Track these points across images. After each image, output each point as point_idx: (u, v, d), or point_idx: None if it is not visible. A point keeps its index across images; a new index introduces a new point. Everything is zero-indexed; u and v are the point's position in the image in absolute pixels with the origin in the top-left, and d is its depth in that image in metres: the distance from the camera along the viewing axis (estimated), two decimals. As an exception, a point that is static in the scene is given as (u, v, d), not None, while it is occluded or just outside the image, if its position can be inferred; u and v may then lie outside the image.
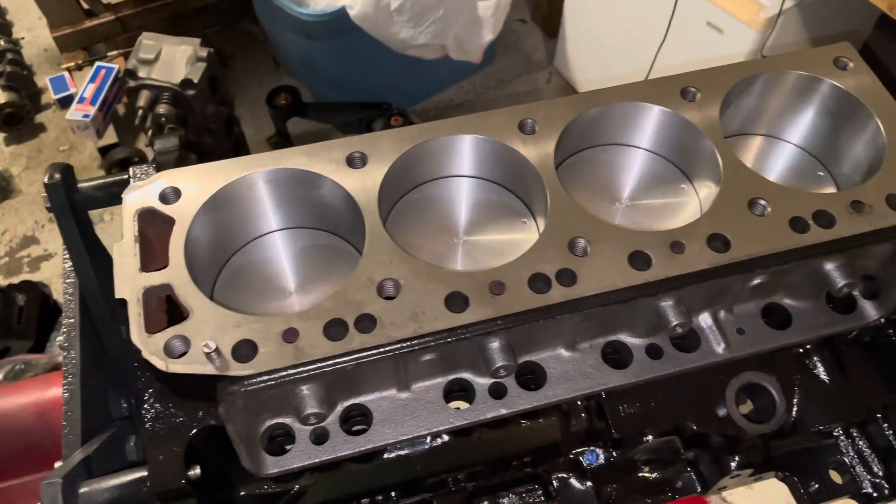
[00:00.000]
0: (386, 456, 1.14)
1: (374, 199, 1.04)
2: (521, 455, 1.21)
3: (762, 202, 1.05)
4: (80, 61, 3.84)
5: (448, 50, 3.56)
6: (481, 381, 1.10)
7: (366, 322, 0.94)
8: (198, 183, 1.04)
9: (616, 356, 1.15)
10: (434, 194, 1.19)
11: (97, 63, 3.69)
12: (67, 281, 1.21)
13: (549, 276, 0.99)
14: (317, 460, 1.04)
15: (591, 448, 1.24)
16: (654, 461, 1.30)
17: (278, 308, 1.09)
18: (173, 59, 2.73)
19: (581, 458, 1.24)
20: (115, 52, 3.78)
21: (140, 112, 2.73)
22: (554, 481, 1.24)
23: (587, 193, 1.17)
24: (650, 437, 1.21)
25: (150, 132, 2.75)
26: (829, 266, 1.09)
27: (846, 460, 1.31)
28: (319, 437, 1.06)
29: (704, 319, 1.17)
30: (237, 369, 0.89)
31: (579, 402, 1.19)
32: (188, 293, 0.95)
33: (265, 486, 1.09)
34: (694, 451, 1.26)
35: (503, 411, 1.09)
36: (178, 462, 0.92)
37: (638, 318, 1.10)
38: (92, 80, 3.63)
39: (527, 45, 4.27)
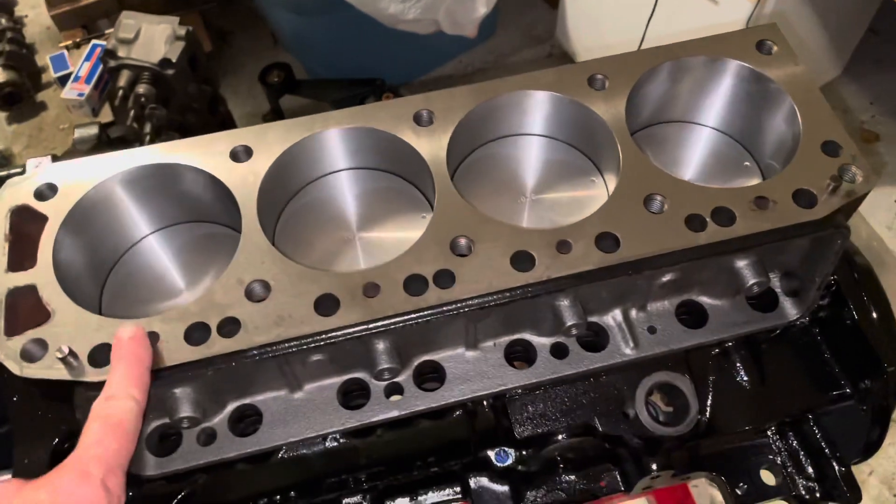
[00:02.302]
0: (282, 456, 1.13)
1: (255, 192, 1.01)
2: (425, 455, 1.18)
3: (659, 198, 1.00)
4: (78, 39, 3.85)
5: (441, 24, 3.48)
6: (377, 382, 1.07)
7: (230, 326, 0.92)
8: (80, 179, 1.02)
9: (521, 353, 1.12)
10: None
11: (93, 41, 3.70)
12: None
13: (426, 278, 0.95)
14: (202, 462, 1.03)
15: (502, 448, 1.20)
16: (575, 461, 1.26)
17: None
18: (152, 39, 2.72)
19: (491, 458, 1.21)
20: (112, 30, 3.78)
21: (120, 92, 2.72)
22: (470, 481, 1.22)
23: (488, 190, 1.13)
24: (561, 438, 1.17)
25: (131, 112, 2.75)
26: (739, 264, 1.04)
27: (778, 461, 1.27)
28: (207, 438, 1.05)
29: (614, 317, 1.12)
30: (92, 375, 0.88)
31: (484, 402, 1.16)
32: (52, 294, 0.93)
33: (156, 487, 1.08)
34: (615, 450, 1.22)
35: (396, 413, 1.06)
36: (42, 466, 0.91)
37: (539, 316, 1.06)
38: (87, 58, 3.65)
39: (528, 18, 4.17)
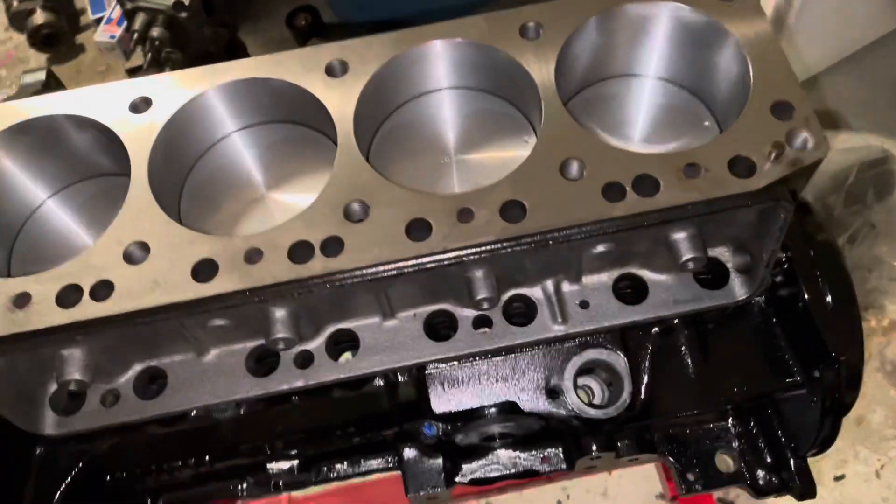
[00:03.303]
0: (193, 420, 1.09)
1: (148, 148, 0.96)
2: (344, 425, 1.13)
3: (576, 164, 0.90)
4: (114, -20, 3.84)
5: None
6: (284, 350, 1.03)
7: (103, 290, 0.87)
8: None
9: (444, 323, 1.05)
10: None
11: (125, -18, 3.68)
12: None
13: (313, 245, 0.88)
14: (104, 423, 1.01)
15: (428, 421, 1.15)
16: (512, 436, 1.20)
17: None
18: (167, -20, 2.68)
19: (418, 431, 1.15)
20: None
21: (135, 35, 2.71)
22: (403, 452, 1.17)
23: (409, 149, 1.04)
24: (486, 413, 1.10)
25: (148, 56, 2.74)
26: (674, 237, 0.94)
27: (735, 446, 1.17)
28: (112, 400, 1.02)
29: (544, 289, 1.04)
30: (-38, 336, 0.85)
31: (403, 374, 1.10)
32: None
33: (63, 447, 1.07)
34: (554, 427, 1.15)
35: (303, 383, 1.02)
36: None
37: (456, 286, 0.98)
38: None
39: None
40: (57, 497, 1.06)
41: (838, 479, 2.26)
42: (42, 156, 1.01)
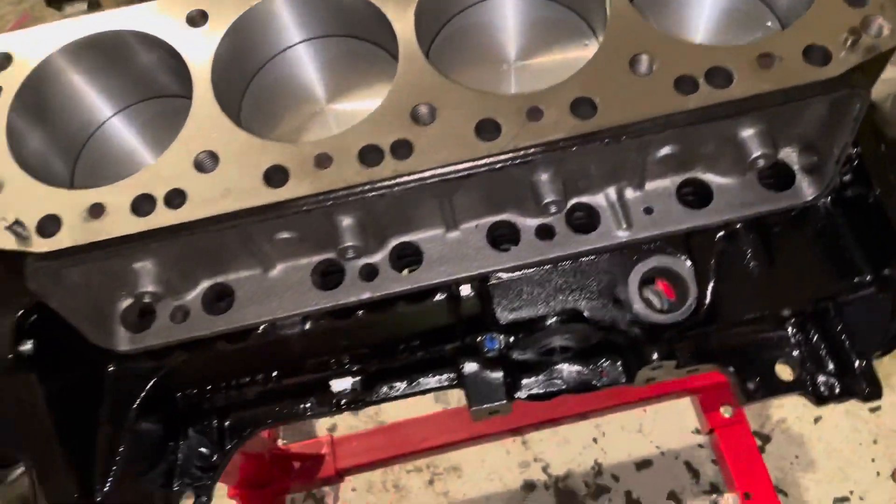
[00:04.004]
0: (261, 335, 1.11)
1: (209, 60, 0.95)
2: (409, 339, 1.14)
3: (646, 59, 0.88)
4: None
5: None
6: (351, 263, 1.03)
7: (176, 198, 0.88)
8: (37, 47, 0.98)
9: (506, 236, 1.05)
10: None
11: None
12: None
13: (382, 149, 0.88)
14: (175, 338, 1.03)
15: (490, 334, 1.15)
16: (572, 349, 1.20)
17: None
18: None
19: (481, 345, 1.16)
20: None
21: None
22: (463, 367, 1.18)
23: (467, 58, 1.03)
24: (549, 323, 1.11)
25: None
26: (743, 133, 0.93)
27: (795, 355, 1.17)
28: (182, 316, 1.04)
29: (607, 196, 1.04)
30: (39, 245, 0.86)
31: (468, 285, 1.10)
32: (3, 166, 0.91)
33: (135, 363, 1.08)
34: (614, 339, 1.16)
35: (370, 295, 1.02)
36: (4, 337, 0.91)
37: (520, 193, 0.98)
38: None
39: None
40: (131, 414, 1.08)
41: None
42: (107, 72, 1.02)
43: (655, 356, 1.12)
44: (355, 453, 2.42)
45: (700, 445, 2.76)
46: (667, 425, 2.81)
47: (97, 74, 1.01)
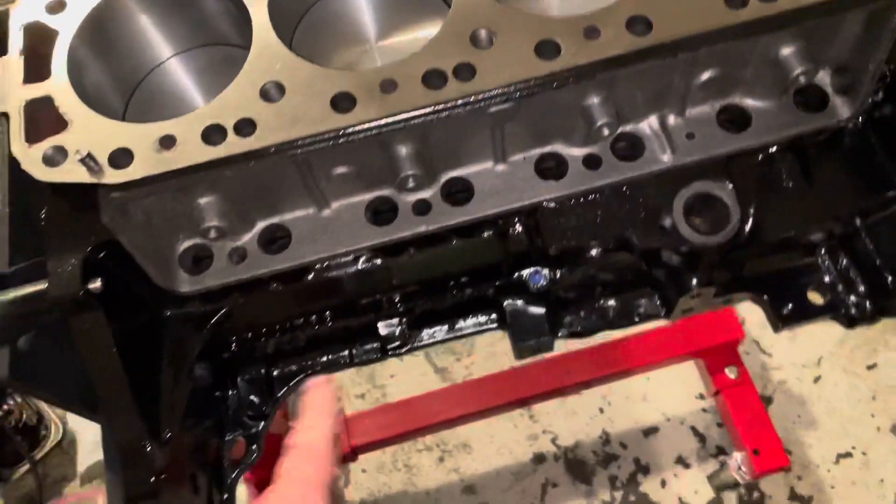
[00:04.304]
0: (315, 276, 1.12)
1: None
2: (458, 276, 1.17)
3: (696, -24, 0.92)
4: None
5: None
6: (404, 199, 1.06)
7: (246, 127, 0.90)
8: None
9: (552, 168, 1.08)
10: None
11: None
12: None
13: (444, 72, 0.91)
14: (234, 279, 1.04)
15: (536, 269, 1.18)
16: (612, 283, 1.24)
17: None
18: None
19: (526, 280, 1.19)
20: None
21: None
22: (506, 305, 1.21)
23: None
24: (594, 253, 1.14)
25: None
26: (785, 52, 0.97)
27: (826, 279, 1.22)
28: (238, 258, 1.05)
29: (650, 125, 1.07)
30: (112, 177, 0.87)
31: (515, 219, 1.13)
32: (69, 103, 0.92)
33: (193, 307, 1.09)
34: (652, 269, 1.19)
35: (424, 228, 1.05)
36: (75, 273, 0.92)
37: (569, 122, 1.01)
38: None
39: None
40: (189, 361, 1.09)
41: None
42: (171, 14, 1.04)
43: (695, 281, 1.16)
44: (368, 430, 2.43)
45: (704, 410, 2.81)
46: (671, 392, 2.86)
47: (162, 15, 1.03)
